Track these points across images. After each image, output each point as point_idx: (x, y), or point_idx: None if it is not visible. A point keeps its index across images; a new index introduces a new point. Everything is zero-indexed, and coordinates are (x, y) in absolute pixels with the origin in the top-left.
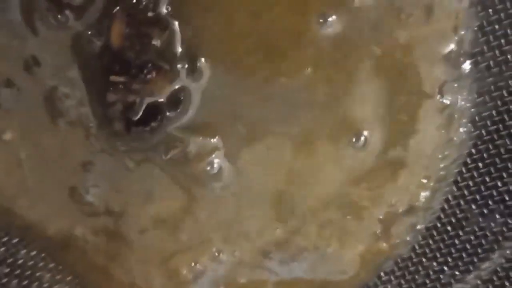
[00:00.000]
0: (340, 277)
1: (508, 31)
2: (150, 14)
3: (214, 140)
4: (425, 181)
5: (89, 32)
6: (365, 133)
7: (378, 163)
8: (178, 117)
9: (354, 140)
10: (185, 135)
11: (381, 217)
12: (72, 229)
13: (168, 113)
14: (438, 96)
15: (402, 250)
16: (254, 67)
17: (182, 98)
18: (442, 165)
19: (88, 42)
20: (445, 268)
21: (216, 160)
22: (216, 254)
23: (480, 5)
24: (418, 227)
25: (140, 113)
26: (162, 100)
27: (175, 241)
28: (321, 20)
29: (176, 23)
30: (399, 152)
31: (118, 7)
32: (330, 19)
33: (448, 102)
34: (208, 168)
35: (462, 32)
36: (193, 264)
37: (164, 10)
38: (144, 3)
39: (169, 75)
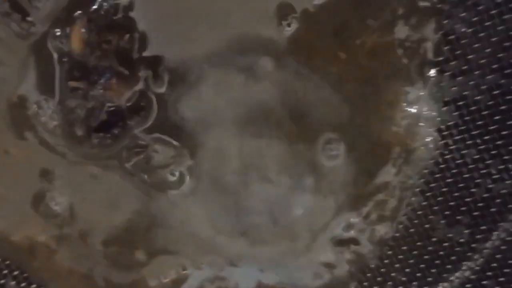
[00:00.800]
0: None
1: (473, 39)
2: (111, 19)
3: (177, 148)
4: (391, 190)
5: (49, 37)
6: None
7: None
8: (140, 123)
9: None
10: (148, 142)
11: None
12: (37, 236)
13: (130, 120)
14: (404, 104)
15: (369, 261)
16: (218, 72)
17: (144, 104)
18: (409, 174)
19: (48, 47)
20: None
21: (178, 169)
22: (182, 269)
23: (444, 13)
24: (386, 237)
25: (101, 119)
26: (123, 106)
27: (140, 253)
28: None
29: (139, 28)
30: (365, 162)
31: (78, 12)
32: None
33: (414, 110)
34: (171, 176)
35: (426, 40)
36: (160, 277)
37: (126, 15)
38: (106, 7)
39: (130, 81)
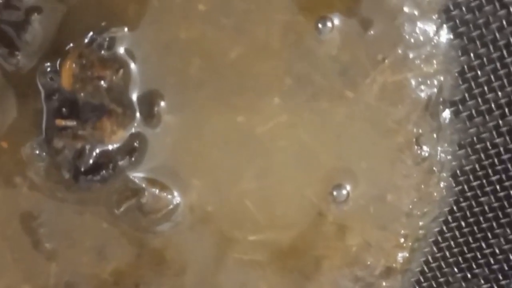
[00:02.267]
0: None
1: (491, 77)
2: (104, 54)
3: (172, 192)
4: (402, 240)
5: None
6: (347, 186)
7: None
8: (132, 166)
9: (334, 193)
10: (140, 185)
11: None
12: (20, 285)
13: (120, 162)
14: (416, 147)
15: None
16: (216, 113)
17: (137, 145)
18: (421, 223)
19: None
20: None
21: (174, 215)
22: None
23: (460, 49)
24: None
25: (90, 162)
26: (114, 147)
27: None
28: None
29: (132, 64)
30: (375, 207)
31: (69, 46)
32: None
33: (426, 154)
34: (164, 222)
35: (441, 78)
36: None
37: (119, 50)
38: (98, 42)
39: (122, 119)
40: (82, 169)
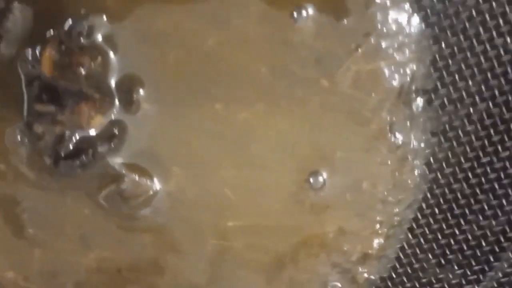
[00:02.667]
0: None
1: (462, 66)
2: (83, 41)
3: (152, 179)
4: (378, 227)
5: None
6: (324, 173)
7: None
8: (112, 152)
9: (311, 180)
10: (120, 172)
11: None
12: (4, 273)
13: (100, 148)
14: (390, 135)
15: None
16: (194, 102)
17: (116, 132)
18: (396, 210)
19: (18, 70)
20: None
21: (154, 201)
22: None
23: (432, 38)
24: (372, 277)
25: (70, 147)
26: (94, 133)
27: None
28: None
29: (111, 52)
30: (351, 195)
31: (50, 34)
32: None
33: (400, 142)
34: (144, 208)
35: (414, 67)
36: None
37: (98, 38)
38: (77, 30)
39: (99, 105)
40: (62, 154)
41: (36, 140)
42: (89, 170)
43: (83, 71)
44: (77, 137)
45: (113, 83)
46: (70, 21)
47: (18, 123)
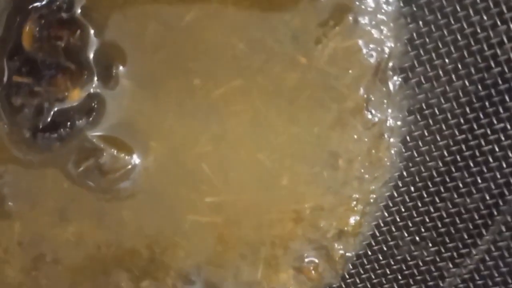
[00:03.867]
0: None
1: (439, 43)
2: (62, 15)
3: (131, 153)
4: (354, 204)
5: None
6: None
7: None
8: (90, 125)
9: None
10: (98, 146)
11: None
12: None
13: (78, 121)
14: (366, 112)
15: (331, 280)
16: (172, 77)
17: (95, 105)
18: (372, 188)
19: None
20: None
21: (132, 175)
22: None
23: (409, 16)
24: (348, 254)
25: (48, 120)
26: (72, 106)
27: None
28: None
29: (90, 26)
30: (327, 171)
31: (30, 7)
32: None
33: (376, 119)
34: (122, 182)
35: (391, 45)
36: None
37: (78, 12)
38: (57, 3)
39: (77, 78)
40: (40, 127)
41: (15, 113)
42: (67, 143)
43: (61, 44)
44: (56, 110)
45: (91, 57)
46: None
47: None
